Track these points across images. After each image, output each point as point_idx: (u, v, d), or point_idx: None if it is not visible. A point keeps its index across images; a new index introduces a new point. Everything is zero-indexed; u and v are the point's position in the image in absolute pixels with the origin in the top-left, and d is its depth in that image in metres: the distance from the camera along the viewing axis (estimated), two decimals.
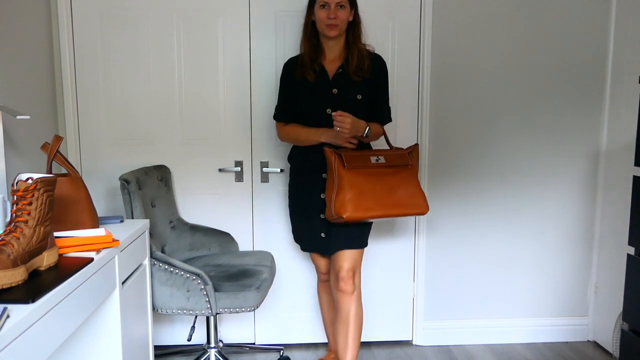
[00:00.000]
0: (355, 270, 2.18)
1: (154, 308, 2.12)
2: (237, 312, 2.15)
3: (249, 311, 2.23)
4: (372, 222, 2.25)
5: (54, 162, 1.60)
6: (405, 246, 2.76)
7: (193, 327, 2.48)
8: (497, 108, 2.69)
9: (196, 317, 2.57)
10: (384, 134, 2.24)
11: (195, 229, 2.60)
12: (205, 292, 2.09)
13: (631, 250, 2.07)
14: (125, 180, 2.11)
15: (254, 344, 2.77)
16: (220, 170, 2.65)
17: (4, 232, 1.20)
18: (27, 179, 1.23)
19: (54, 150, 1.58)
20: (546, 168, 2.75)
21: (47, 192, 1.26)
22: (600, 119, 2.74)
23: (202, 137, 2.62)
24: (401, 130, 2.67)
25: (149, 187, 2.34)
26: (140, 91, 2.57)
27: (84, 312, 1.32)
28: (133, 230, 1.78)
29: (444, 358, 2.67)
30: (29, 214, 1.21)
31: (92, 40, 2.52)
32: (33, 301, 1.06)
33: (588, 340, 2.87)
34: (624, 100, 2.60)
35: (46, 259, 1.28)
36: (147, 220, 2.00)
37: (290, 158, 2.33)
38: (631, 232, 2.05)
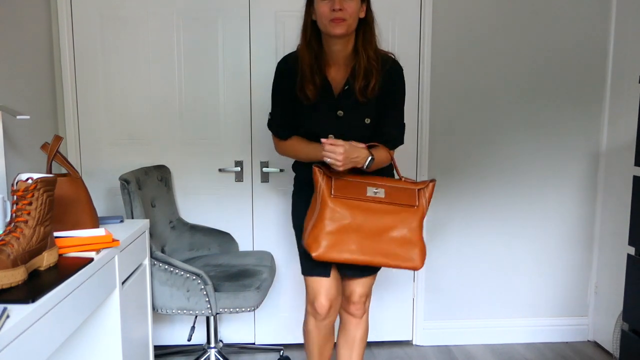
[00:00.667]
0: (368, 295, 1.97)
1: (154, 308, 2.12)
2: (237, 312, 2.15)
3: (249, 311, 2.23)
4: None
5: (54, 162, 1.60)
6: None
7: (193, 327, 2.49)
8: (498, 108, 2.69)
9: (196, 317, 2.57)
10: (393, 160, 1.85)
11: (195, 229, 2.60)
12: (205, 292, 2.09)
13: (631, 250, 2.07)
14: (125, 180, 2.11)
15: (254, 344, 2.77)
16: (220, 170, 2.65)
17: (4, 232, 1.20)
18: (27, 179, 1.23)
19: (54, 150, 1.58)
20: (546, 168, 2.75)
21: (47, 192, 1.26)
22: (600, 119, 2.74)
23: (202, 137, 2.62)
24: None
25: (149, 187, 2.34)
26: (140, 91, 2.57)
27: (84, 312, 1.32)
28: (133, 230, 1.78)
29: (444, 358, 2.66)
30: (29, 214, 1.21)
31: (92, 40, 2.52)
32: (33, 301, 1.06)
33: (588, 340, 2.87)
34: (624, 100, 2.60)
35: (46, 259, 1.28)
36: (147, 220, 2.00)
37: (295, 167, 2.01)
38: (631, 232, 2.06)
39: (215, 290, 2.12)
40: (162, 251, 2.35)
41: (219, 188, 2.66)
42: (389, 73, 1.79)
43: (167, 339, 2.73)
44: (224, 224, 2.68)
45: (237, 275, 2.23)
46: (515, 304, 2.83)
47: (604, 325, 2.76)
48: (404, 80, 1.84)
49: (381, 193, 1.72)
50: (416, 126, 2.67)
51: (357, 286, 1.92)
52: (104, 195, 2.62)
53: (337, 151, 1.61)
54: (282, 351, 2.70)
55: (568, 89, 2.70)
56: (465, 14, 2.61)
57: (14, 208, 1.22)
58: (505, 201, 2.75)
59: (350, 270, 1.87)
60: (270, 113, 1.93)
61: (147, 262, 2.00)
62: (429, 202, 1.77)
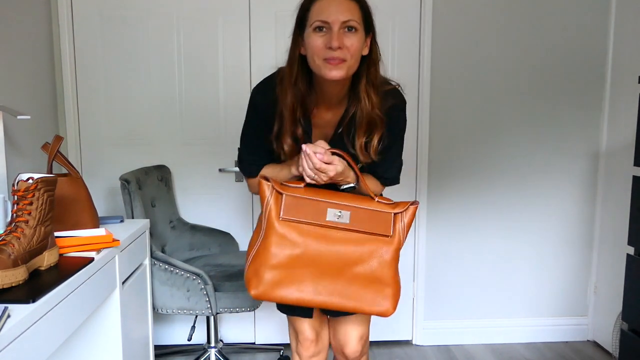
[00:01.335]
0: (366, 340, 1.61)
1: (154, 308, 2.13)
2: (237, 312, 2.15)
3: (249, 311, 2.23)
4: None
5: (54, 162, 1.60)
6: (405, 246, 2.74)
7: (193, 327, 2.49)
8: (497, 108, 2.69)
9: (196, 316, 2.57)
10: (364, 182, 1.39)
11: (196, 229, 2.60)
12: (205, 292, 2.10)
13: (631, 250, 2.07)
14: (125, 180, 2.12)
15: (254, 343, 2.77)
16: (220, 170, 2.65)
17: (5, 232, 1.20)
18: (28, 178, 1.23)
19: (54, 150, 1.59)
20: (546, 168, 2.75)
21: (48, 192, 1.26)
22: (600, 118, 2.74)
23: (202, 137, 2.62)
24: None
25: (149, 187, 2.34)
26: (140, 91, 2.57)
27: (84, 312, 1.32)
28: (133, 230, 1.78)
29: (444, 358, 2.67)
30: (29, 213, 1.22)
31: (92, 40, 2.52)
32: (33, 301, 1.06)
33: (588, 340, 2.87)
34: (624, 100, 2.60)
35: (47, 259, 1.28)
36: (147, 220, 2.00)
37: None
38: (631, 232, 2.06)
39: (216, 290, 2.12)
40: (163, 251, 2.35)
41: (219, 188, 2.66)
42: (390, 111, 1.42)
43: (168, 338, 2.73)
44: (224, 224, 2.68)
45: (237, 275, 2.23)
46: (515, 304, 2.83)
47: (603, 325, 2.76)
48: (405, 118, 1.50)
49: (345, 217, 1.32)
50: (416, 126, 2.67)
51: (352, 330, 1.57)
52: (104, 195, 2.62)
53: (328, 169, 1.28)
54: (282, 351, 2.70)
55: (568, 89, 2.70)
56: (465, 14, 2.61)
57: (15, 208, 1.22)
58: (505, 201, 2.76)
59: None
60: (239, 148, 1.58)
61: (147, 262, 2.00)
62: (407, 230, 1.36)
